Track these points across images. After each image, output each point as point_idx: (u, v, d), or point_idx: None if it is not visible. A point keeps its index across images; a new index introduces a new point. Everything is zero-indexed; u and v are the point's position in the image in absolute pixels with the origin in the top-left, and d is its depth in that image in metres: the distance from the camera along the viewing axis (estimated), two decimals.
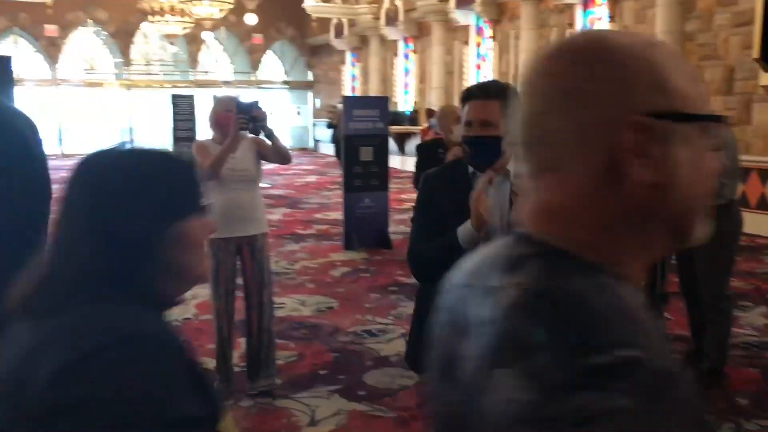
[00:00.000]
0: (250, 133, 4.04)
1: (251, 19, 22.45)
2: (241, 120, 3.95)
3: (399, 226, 9.79)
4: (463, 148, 2.36)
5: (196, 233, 1.16)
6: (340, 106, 14.23)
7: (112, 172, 1.08)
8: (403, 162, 18.70)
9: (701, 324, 4.34)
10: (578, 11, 12.90)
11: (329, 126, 17.22)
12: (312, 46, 27.23)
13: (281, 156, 4.28)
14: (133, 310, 1.02)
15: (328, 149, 24.99)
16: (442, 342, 0.85)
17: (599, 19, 12.57)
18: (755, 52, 8.58)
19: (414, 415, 3.77)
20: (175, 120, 20.45)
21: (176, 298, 1.17)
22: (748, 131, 9.45)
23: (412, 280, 6.63)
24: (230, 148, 3.92)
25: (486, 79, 15.36)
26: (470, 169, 2.27)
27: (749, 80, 9.50)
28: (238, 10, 22.82)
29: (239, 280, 4.14)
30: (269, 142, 4.15)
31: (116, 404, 0.91)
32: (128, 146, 1.17)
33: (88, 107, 24.70)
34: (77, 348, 0.94)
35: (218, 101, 4.07)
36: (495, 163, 2.21)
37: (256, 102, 4.11)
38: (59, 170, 3.00)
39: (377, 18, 19.85)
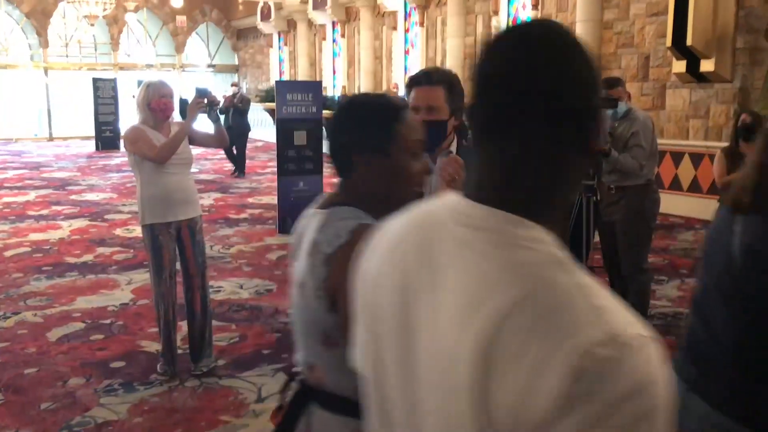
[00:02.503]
0: (208, 116, 4.15)
1: (177, 1, 21.91)
2: (200, 104, 4.03)
3: None
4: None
5: None
6: (234, 89, 14.03)
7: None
8: None
9: (622, 297, 4.66)
10: None
11: (211, 108, 16.70)
12: (238, 29, 26.83)
13: (221, 140, 4.36)
14: None
15: (256, 133, 24.75)
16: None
17: (523, 7, 12.92)
18: (668, 40, 9.05)
19: None
20: (96, 104, 19.89)
21: None
22: (662, 116, 9.97)
23: None
24: (185, 133, 3.99)
25: (414, 65, 15.44)
26: None
27: (663, 67, 10.01)
28: None
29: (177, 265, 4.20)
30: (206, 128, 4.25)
31: None
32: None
33: (1, 90, 23.65)
34: None
35: (151, 86, 4.03)
36: (440, 146, 2.35)
37: (207, 88, 4.24)
38: None
39: (305, 2, 19.75)
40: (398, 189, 1.51)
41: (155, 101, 3.98)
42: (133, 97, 4.28)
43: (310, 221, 1.54)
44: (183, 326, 4.42)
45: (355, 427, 1.33)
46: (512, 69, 0.85)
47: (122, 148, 19.33)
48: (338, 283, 1.34)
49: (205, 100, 4.09)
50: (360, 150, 1.48)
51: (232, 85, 14.34)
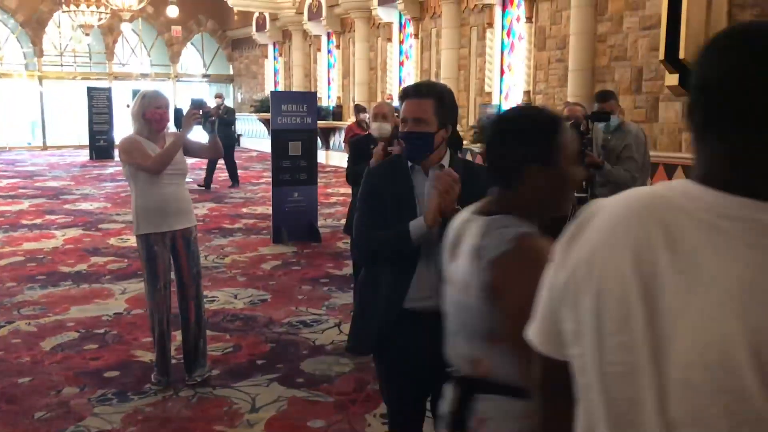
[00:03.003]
0: (203, 128, 4.18)
1: (172, 11, 21.95)
2: (195, 115, 4.06)
3: (327, 220, 9.93)
4: (399, 142, 2.54)
5: None
6: (218, 100, 13.57)
7: None
8: (327, 157, 18.79)
9: None
10: (497, 11, 13.31)
11: (207, 119, 15.99)
12: (233, 39, 26.89)
13: (216, 151, 4.39)
14: None
15: (250, 143, 24.80)
16: None
17: (517, 19, 13.01)
18: (661, 54, 9.12)
19: (352, 399, 3.94)
20: (90, 113, 19.89)
21: None
22: (655, 128, 10.04)
23: (343, 272, 6.83)
24: (180, 144, 4.01)
25: (408, 76, 15.53)
26: (409, 163, 2.45)
27: (656, 80, 10.08)
28: (157, 1, 22.32)
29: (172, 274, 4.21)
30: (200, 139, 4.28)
31: None
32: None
33: None
34: None
35: (146, 97, 4.03)
36: (427, 157, 2.39)
37: (202, 99, 4.26)
38: None
39: (300, 12, 19.82)
40: (564, 195, 1.68)
41: (150, 112, 3.99)
42: (128, 106, 4.30)
43: (468, 226, 1.69)
44: (177, 336, 4.42)
45: (521, 407, 1.52)
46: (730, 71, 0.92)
47: (116, 158, 19.34)
48: (502, 285, 1.46)
49: (201, 112, 4.11)
50: (530, 161, 1.60)
51: (216, 96, 14.24)
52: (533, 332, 1.15)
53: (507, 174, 1.64)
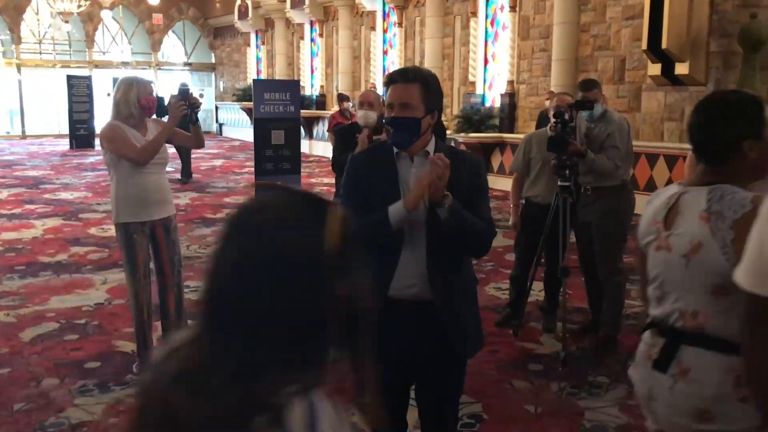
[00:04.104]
0: (188, 119, 4.14)
1: None
2: (181, 106, 4.01)
3: None
4: (386, 129, 2.51)
5: None
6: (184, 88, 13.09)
7: None
8: (311, 146, 18.71)
9: (598, 297, 4.71)
10: (481, 1, 13.29)
11: (192, 110, 15.63)
12: (215, 27, 26.65)
13: (199, 141, 4.36)
14: None
15: (233, 132, 24.64)
16: None
17: (501, 8, 13.00)
18: (644, 43, 9.15)
19: (337, 389, 3.92)
20: (70, 102, 19.66)
21: None
22: (637, 118, 10.09)
23: None
24: (167, 135, 3.98)
25: (392, 65, 15.49)
26: (395, 150, 2.42)
27: (638, 70, 10.12)
28: None
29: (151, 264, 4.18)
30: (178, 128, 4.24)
31: None
32: None
33: None
34: None
35: (140, 83, 3.99)
36: (414, 143, 2.36)
37: (188, 89, 4.23)
38: None
39: (283, 0, 19.68)
40: None
41: (144, 98, 3.96)
42: (108, 95, 4.25)
43: (684, 198, 1.92)
44: (159, 326, 4.40)
45: (729, 363, 1.75)
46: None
47: (97, 146, 19.12)
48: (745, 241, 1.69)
49: (187, 103, 4.08)
50: (746, 137, 1.84)
51: (182, 85, 13.91)
52: (742, 274, 1.33)
53: (722, 150, 1.87)
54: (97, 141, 19.88)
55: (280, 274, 0.94)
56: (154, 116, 4.16)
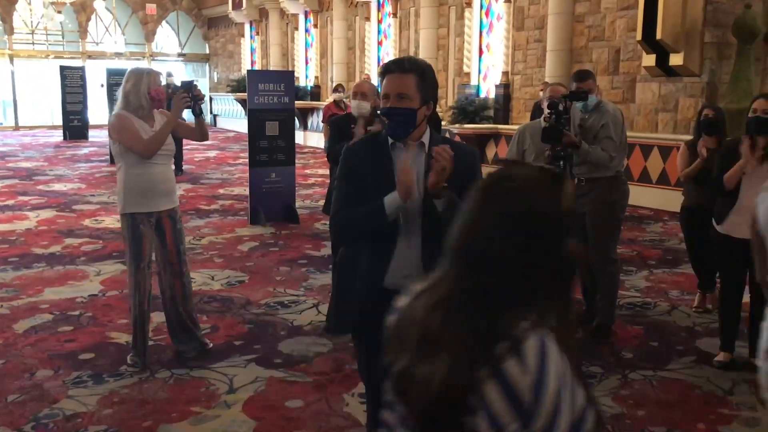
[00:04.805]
0: (191, 111, 4.16)
1: None
2: (185, 98, 4.03)
3: (305, 201, 9.88)
4: (381, 120, 2.50)
5: None
6: (170, 80, 12.30)
7: None
8: (305, 137, 18.67)
9: (592, 287, 4.72)
10: None
11: (196, 102, 15.48)
12: (209, 17, 26.53)
13: (203, 134, 4.39)
14: None
15: (227, 123, 24.56)
16: None
17: None
18: (638, 34, 9.15)
19: (331, 379, 3.93)
20: (64, 93, 19.54)
21: None
22: (632, 109, 10.09)
23: (321, 253, 6.81)
24: (171, 127, 4.01)
25: (387, 56, 15.46)
26: (389, 140, 2.41)
27: (633, 61, 10.12)
28: None
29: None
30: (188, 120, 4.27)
31: None
32: None
33: None
34: None
35: (150, 74, 4.02)
36: (410, 133, 2.36)
37: (192, 81, 4.24)
38: None
39: None
40: None
41: (155, 90, 3.99)
42: (102, 86, 4.25)
43: None
44: (155, 317, 4.40)
45: None
46: None
47: (91, 137, 19.04)
48: None
49: (190, 95, 4.08)
50: None
51: (168, 76, 13.44)
52: None
53: None
54: (90, 132, 19.77)
55: (529, 229, 1.17)
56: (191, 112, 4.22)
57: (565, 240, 1.19)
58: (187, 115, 4.29)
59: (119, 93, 4.04)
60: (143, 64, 24.90)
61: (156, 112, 4.09)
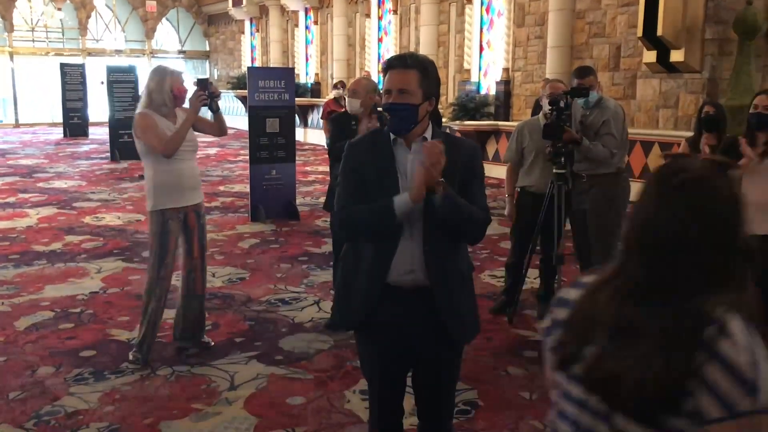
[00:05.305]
0: (209, 108, 4.20)
1: None
2: (202, 96, 4.07)
3: (306, 198, 9.87)
4: (382, 115, 2.49)
5: None
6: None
7: None
8: (306, 134, 18.65)
9: None
10: None
11: (212, 99, 15.86)
12: (209, 14, 26.50)
13: (221, 129, 4.43)
14: None
15: (227, 121, 24.52)
16: None
17: None
18: (639, 30, 9.12)
19: (331, 376, 3.93)
20: (64, 90, 19.52)
21: None
22: (632, 105, 10.08)
23: (322, 250, 6.80)
24: (189, 125, 4.07)
25: (387, 53, 15.45)
26: (392, 137, 2.40)
27: (634, 57, 10.10)
28: None
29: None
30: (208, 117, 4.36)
31: None
32: None
33: None
34: None
35: (174, 72, 4.06)
36: (411, 129, 2.35)
37: (207, 78, 4.30)
38: None
39: None
40: None
41: (177, 88, 4.04)
42: (102, 83, 4.27)
43: None
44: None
45: None
46: None
47: (91, 135, 19.03)
48: None
49: (207, 92, 4.10)
50: None
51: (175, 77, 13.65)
52: None
53: None
54: (90, 129, 19.73)
55: (714, 215, 1.22)
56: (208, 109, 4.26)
57: (743, 223, 1.25)
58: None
59: (143, 91, 4.11)
60: (143, 61, 24.88)
61: (178, 109, 4.14)
